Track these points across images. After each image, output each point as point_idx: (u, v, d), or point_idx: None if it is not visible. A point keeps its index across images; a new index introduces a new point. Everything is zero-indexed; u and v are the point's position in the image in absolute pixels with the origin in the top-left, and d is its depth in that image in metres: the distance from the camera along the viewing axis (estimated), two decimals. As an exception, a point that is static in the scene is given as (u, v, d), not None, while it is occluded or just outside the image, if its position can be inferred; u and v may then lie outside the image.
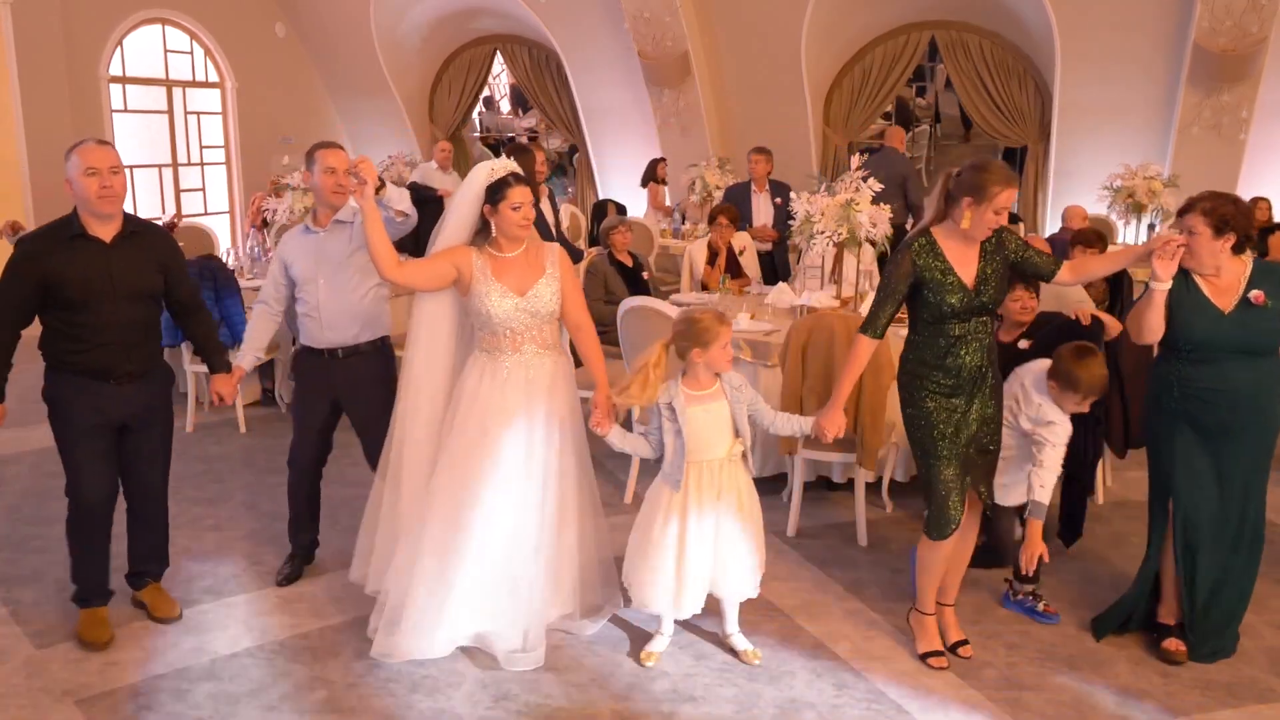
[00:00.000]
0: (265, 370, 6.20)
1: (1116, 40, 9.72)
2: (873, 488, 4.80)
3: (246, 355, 3.98)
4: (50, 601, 3.90)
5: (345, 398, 3.96)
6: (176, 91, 11.63)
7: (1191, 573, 3.50)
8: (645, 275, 6.59)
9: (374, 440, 3.86)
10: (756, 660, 3.50)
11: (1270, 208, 8.52)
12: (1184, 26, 9.41)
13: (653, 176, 10.68)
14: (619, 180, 12.38)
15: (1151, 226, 8.95)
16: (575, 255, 6.90)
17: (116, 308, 3.41)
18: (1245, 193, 9.24)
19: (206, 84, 12.00)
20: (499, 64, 14.01)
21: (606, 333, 5.90)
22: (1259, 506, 3.48)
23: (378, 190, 3.43)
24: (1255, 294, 3.31)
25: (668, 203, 10.75)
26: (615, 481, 5.13)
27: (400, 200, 3.68)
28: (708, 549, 3.40)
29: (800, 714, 3.21)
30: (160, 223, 7.58)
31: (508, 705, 3.24)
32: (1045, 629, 3.74)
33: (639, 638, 3.64)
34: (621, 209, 10.22)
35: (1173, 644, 3.55)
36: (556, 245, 3.56)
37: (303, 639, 3.65)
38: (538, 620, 3.47)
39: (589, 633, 3.65)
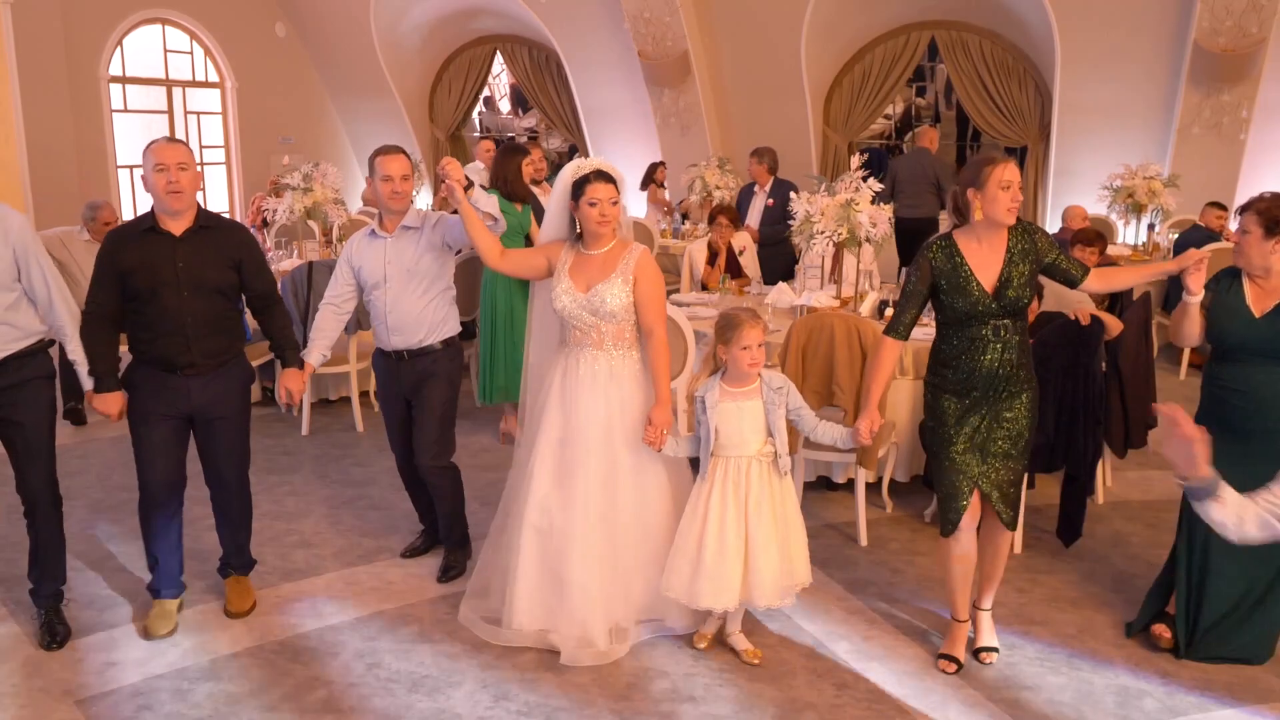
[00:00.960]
0: (266, 370, 6.20)
1: (1116, 40, 9.72)
2: (873, 488, 4.80)
3: (314, 352, 3.97)
4: (50, 601, 3.90)
5: (411, 395, 4.03)
6: (176, 91, 11.64)
7: (1203, 574, 3.50)
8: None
9: (425, 434, 4.02)
10: (757, 660, 3.50)
11: None
12: (1184, 26, 9.41)
13: (651, 180, 10.67)
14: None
15: (1151, 226, 8.95)
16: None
17: (181, 300, 3.48)
18: (1246, 192, 9.24)
19: (206, 84, 12.01)
20: (499, 64, 14.01)
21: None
22: None
23: (465, 190, 3.61)
24: None
25: (667, 198, 10.73)
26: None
27: (487, 204, 3.79)
28: (731, 548, 3.36)
29: (800, 714, 3.21)
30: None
31: (507, 705, 3.24)
32: (1044, 629, 3.74)
33: (650, 641, 3.63)
34: (621, 209, 10.21)
35: (1160, 628, 3.61)
36: (644, 249, 3.53)
37: (303, 639, 3.65)
38: (596, 620, 3.47)
39: (679, 630, 3.65)
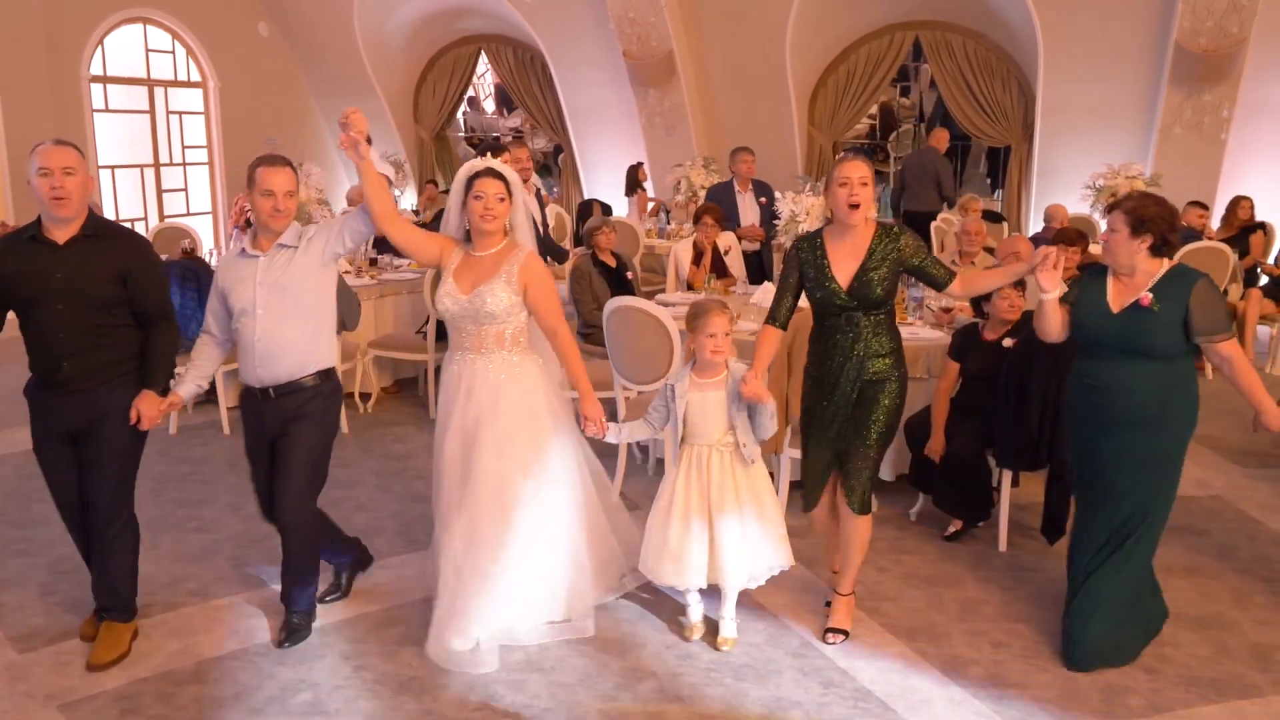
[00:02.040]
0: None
1: (1099, 40, 9.78)
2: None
3: (186, 384, 3.62)
4: (33, 605, 3.87)
5: (277, 437, 3.52)
6: (158, 91, 11.57)
7: (1074, 563, 3.64)
8: (629, 275, 6.58)
9: (288, 483, 3.49)
10: (725, 647, 3.56)
11: (1253, 206, 8.58)
12: (1166, 27, 9.48)
13: (636, 183, 10.65)
14: (604, 180, 12.38)
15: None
16: (561, 256, 6.89)
17: (58, 313, 3.29)
18: (1227, 192, 9.32)
19: (189, 84, 11.94)
20: (483, 64, 13.99)
21: (591, 334, 5.90)
22: (1142, 513, 3.43)
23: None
24: (1143, 296, 3.34)
25: (651, 203, 10.72)
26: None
27: (380, 164, 3.60)
28: (695, 531, 3.47)
29: (787, 713, 3.22)
30: None
31: (494, 706, 3.23)
32: (1030, 627, 3.76)
33: (626, 638, 3.64)
34: (607, 209, 10.21)
35: None
36: (530, 252, 3.52)
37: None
38: (505, 623, 3.53)
39: (587, 635, 3.64)
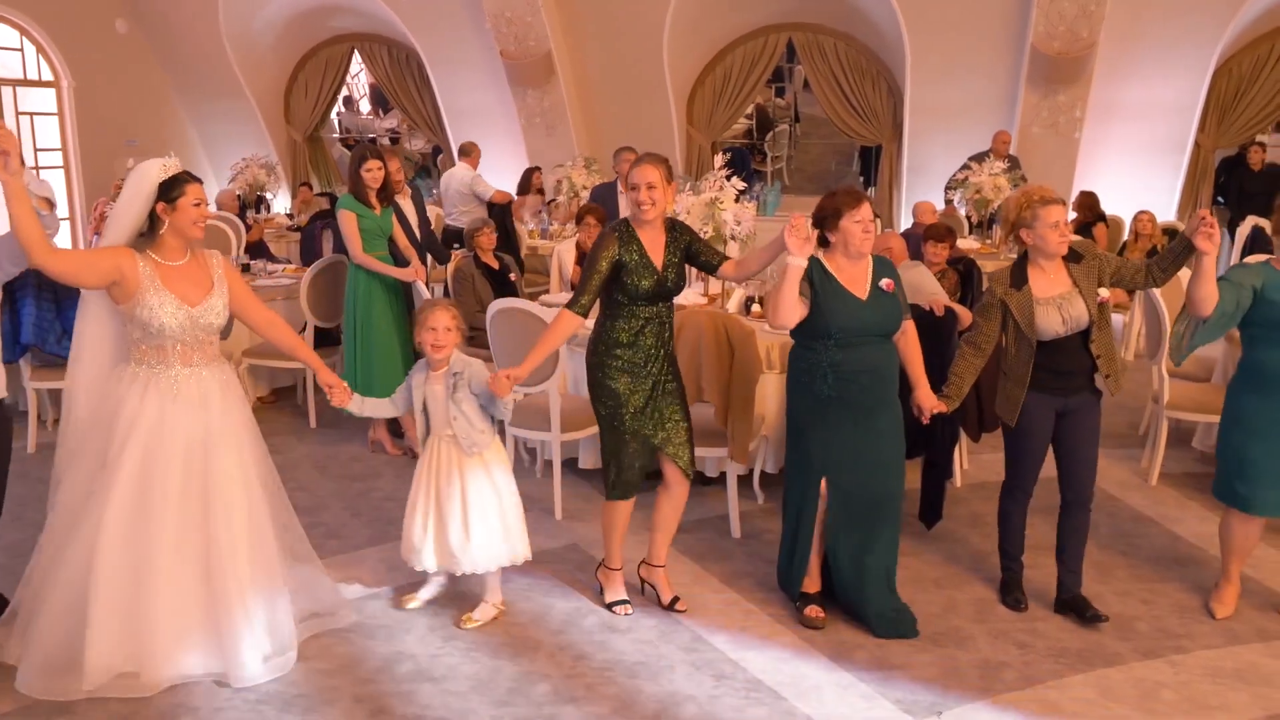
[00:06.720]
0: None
1: (962, 43, 10.19)
2: (744, 480, 4.89)
3: None
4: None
5: None
6: (5, 90, 10.92)
7: (843, 548, 3.72)
8: (512, 277, 6.54)
9: None
10: (467, 625, 3.71)
11: (1098, 202, 9.14)
12: (1022, 31, 9.94)
13: (527, 187, 10.55)
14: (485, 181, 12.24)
15: (991, 220, 9.38)
16: (442, 257, 6.79)
17: None
18: (1081, 188, 9.83)
19: (39, 83, 11.30)
20: (357, 63, 13.67)
21: (475, 336, 5.84)
22: (899, 481, 3.75)
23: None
24: (886, 282, 3.62)
25: (533, 211, 10.63)
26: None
27: (41, 187, 3.24)
28: (432, 518, 3.69)
29: (680, 707, 3.25)
30: None
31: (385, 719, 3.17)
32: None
33: (518, 643, 3.62)
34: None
35: (813, 610, 3.79)
36: (217, 251, 3.49)
37: (164, 665, 3.47)
38: (231, 642, 3.30)
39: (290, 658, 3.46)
